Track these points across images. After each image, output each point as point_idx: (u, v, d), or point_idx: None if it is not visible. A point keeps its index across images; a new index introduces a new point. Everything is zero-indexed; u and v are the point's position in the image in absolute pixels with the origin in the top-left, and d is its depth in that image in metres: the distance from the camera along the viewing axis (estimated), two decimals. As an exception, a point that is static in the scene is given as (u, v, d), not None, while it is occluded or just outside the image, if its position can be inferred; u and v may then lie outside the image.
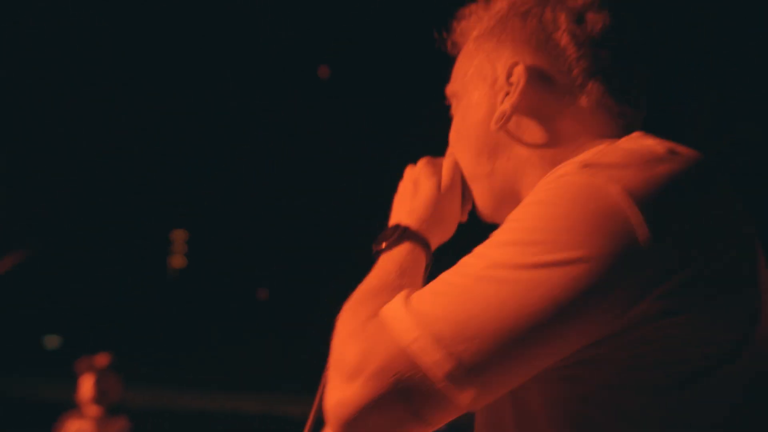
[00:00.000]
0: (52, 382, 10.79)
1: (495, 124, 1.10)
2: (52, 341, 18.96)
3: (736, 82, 9.05)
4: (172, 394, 14.24)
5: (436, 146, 1.30)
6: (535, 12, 1.11)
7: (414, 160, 1.31)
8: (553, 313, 0.87)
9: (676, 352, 0.89)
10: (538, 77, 1.09)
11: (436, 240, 1.20)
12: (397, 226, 1.19)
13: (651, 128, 1.10)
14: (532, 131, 1.11)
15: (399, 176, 1.31)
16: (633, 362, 0.89)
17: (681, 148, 0.98)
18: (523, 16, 1.12)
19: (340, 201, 15.42)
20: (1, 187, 13.11)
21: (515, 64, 1.10)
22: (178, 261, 20.55)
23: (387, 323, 0.93)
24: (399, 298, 0.95)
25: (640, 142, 0.98)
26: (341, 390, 0.93)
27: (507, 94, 1.10)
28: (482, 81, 1.15)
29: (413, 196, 1.23)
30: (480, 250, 0.94)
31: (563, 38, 1.08)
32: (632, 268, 0.87)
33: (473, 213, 1.24)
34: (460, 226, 1.25)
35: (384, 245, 1.16)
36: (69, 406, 4.77)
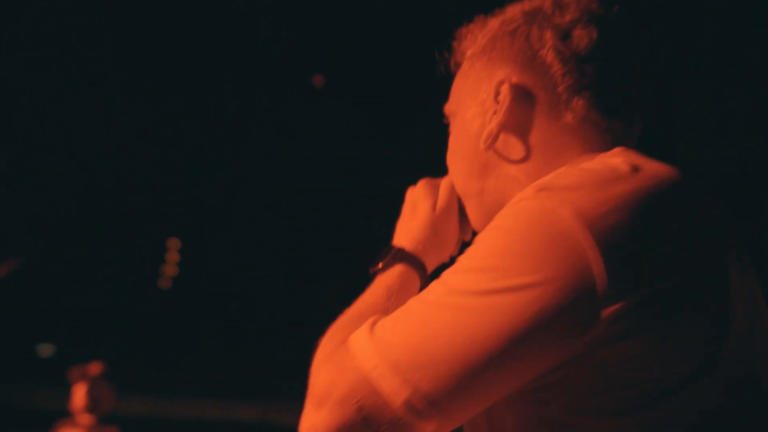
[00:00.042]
0: (45, 391, 10.81)
1: (482, 144, 1.12)
2: (45, 350, 18.95)
3: (731, 90, 9.06)
4: (166, 402, 14.25)
5: (436, 146, 1.31)
6: (522, 30, 1.12)
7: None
8: (505, 339, 0.88)
9: (642, 372, 0.89)
10: (524, 95, 1.10)
11: (433, 261, 1.22)
12: (392, 248, 1.21)
13: (647, 137, 1.10)
14: (519, 149, 1.11)
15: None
16: (599, 385, 0.89)
17: (649, 165, 0.98)
18: (512, 34, 1.13)
19: (340, 201, 15.42)
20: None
21: (501, 82, 1.12)
22: (171, 269, 20.59)
23: (351, 350, 0.95)
24: (366, 325, 0.97)
25: (604, 161, 0.98)
26: (312, 416, 0.95)
27: (495, 112, 1.11)
28: (474, 100, 1.17)
29: (411, 217, 1.25)
30: (443, 276, 0.96)
31: (549, 55, 1.09)
32: (584, 292, 0.87)
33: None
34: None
35: (379, 266, 1.18)
36: (62, 414, 4.78)
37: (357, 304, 1.10)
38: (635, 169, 0.96)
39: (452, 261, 0.98)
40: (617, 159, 0.98)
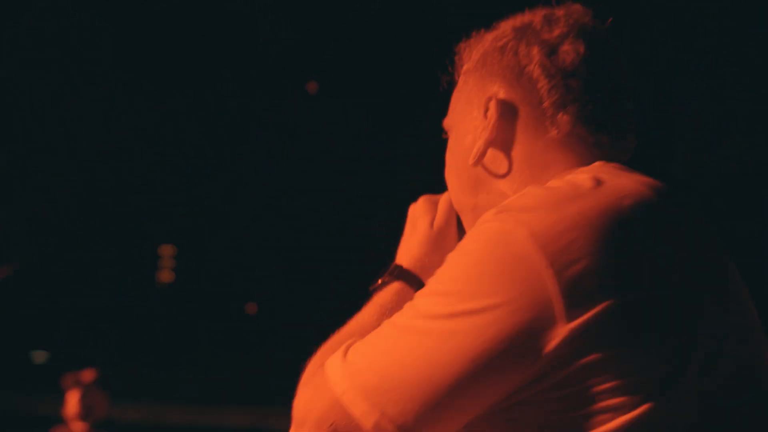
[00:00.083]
0: (40, 397, 10.81)
1: (471, 160, 1.13)
2: (39, 356, 18.95)
3: (729, 93, 9.08)
4: (160, 409, 14.25)
5: (436, 146, 1.31)
6: (511, 46, 1.13)
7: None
8: (466, 362, 0.90)
9: (604, 388, 0.90)
10: (511, 111, 1.12)
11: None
12: (390, 265, 1.22)
13: (646, 139, 1.11)
14: (506, 165, 1.13)
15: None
16: (564, 402, 0.91)
17: (616, 180, 1.00)
18: (501, 50, 1.14)
19: (340, 201, 15.43)
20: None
21: (490, 99, 1.13)
22: (166, 276, 20.63)
23: (326, 374, 0.98)
24: (341, 349, 0.99)
25: (571, 178, 1.00)
26: None
27: (483, 129, 1.12)
28: (466, 116, 1.19)
29: (411, 235, 1.27)
30: (414, 298, 0.98)
31: (535, 71, 1.10)
32: (540, 312, 0.89)
33: None
34: None
35: (378, 283, 1.19)
36: (57, 421, 4.78)
37: (349, 323, 1.12)
38: (598, 185, 0.97)
39: None
40: (584, 175, 1.00)
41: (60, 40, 11.86)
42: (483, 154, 1.12)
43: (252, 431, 12.91)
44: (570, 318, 0.89)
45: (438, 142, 1.28)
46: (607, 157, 1.09)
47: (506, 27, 1.15)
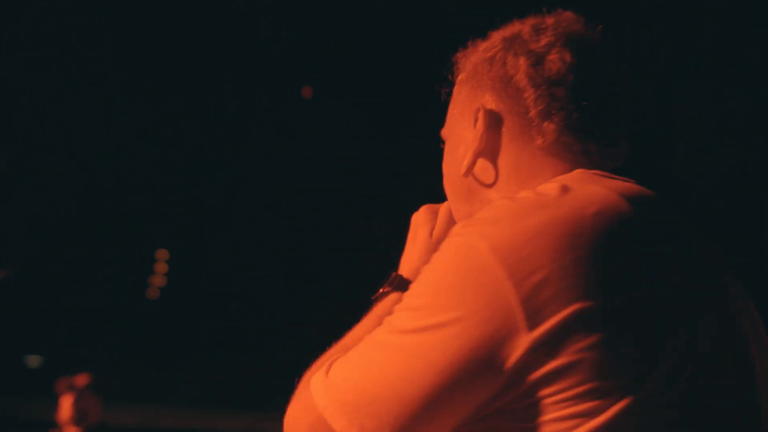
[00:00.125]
0: (33, 402, 10.80)
1: (462, 171, 1.16)
2: (33, 360, 18.93)
3: (726, 96, 9.08)
4: (154, 413, 14.24)
5: (436, 147, 1.32)
6: (500, 56, 1.15)
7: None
8: (435, 375, 0.92)
9: (571, 392, 0.91)
10: (499, 121, 1.14)
11: None
12: (391, 275, 1.24)
13: (643, 141, 1.11)
14: (495, 174, 1.15)
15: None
16: (536, 410, 0.93)
17: (585, 188, 1.01)
18: (490, 60, 1.18)
19: (340, 201, 15.42)
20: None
21: (478, 109, 1.14)
22: (158, 281, 20.64)
23: (311, 389, 1.02)
24: (326, 365, 1.03)
25: (540, 188, 1.01)
26: None
27: (473, 140, 1.16)
28: (458, 126, 1.22)
29: (412, 244, 1.29)
30: (393, 311, 1.01)
31: (522, 81, 1.12)
32: (503, 323, 0.91)
33: None
34: None
35: (379, 293, 1.21)
36: (50, 425, 4.77)
37: (346, 336, 1.13)
38: (563, 194, 0.98)
39: None
40: (553, 184, 1.01)
41: (60, 40, 11.85)
42: (472, 164, 1.15)
43: (251, 433, 12.91)
44: (531, 327, 0.90)
45: (438, 143, 1.28)
46: (596, 164, 1.10)
47: (497, 37, 1.17)
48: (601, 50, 1.11)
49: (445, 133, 1.23)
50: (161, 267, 20.29)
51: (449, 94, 1.24)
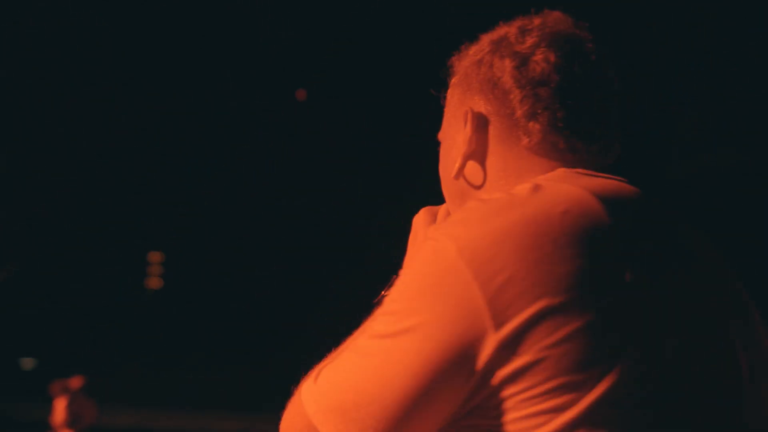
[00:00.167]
0: (27, 404, 10.80)
1: (452, 173, 1.18)
2: (27, 363, 18.94)
3: (726, 96, 9.09)
4: (149, 415, 14.24)
5: (436, 147, 1.32)
6: (487, 59, 1.16)
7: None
8: (409, 378, 0.94)
9: (540, 388, 0.92)
10: (487, 123, 1.15)
11: None
12: (392, 279, 1.24)
13: (640, 144, 1.11)
14: (484, 176, 1.17)
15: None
16: (507, 407, 0.94)
17: (556, 187, 1.02)
18: (478, 63, 1.18)
19: (340, 201, 15.43)
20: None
21: (467, 112, 1.15)
22: (154, 282, 20.66)
23: (302, 396, 1.04)
24: (315, 372, 1.05)
25: (516, 188, 1.03)
26: None
27: (462, 142, 1.16)
28: (451, 129, 1.23)
29: (413, 247, 1.30)
30: (371, 318, 1.03)
31: (507, 82, 1.13)
32: (471, 324, 0.92)
33: None
34: None
35: (381, 296, 1.22)
36: (44, 428, 4.77)
37: (346, 341, 1.15)
38: (533, 193, 0.99)
39: None
40: (527, 184, 1.02)
41: (60, 40, 11.86)
42: (462, 167, 1.17)
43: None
44: (498, 327, 0.92)
45: (437, 145, 1.29)
46: (585, 162, 1.10)
47: (485, 40, 1.18)
48: (588, 48, 1.12)
49: (440, 136, 1.25)
50: (157, 269, 20.33)
51: (446, 98, 1.25)
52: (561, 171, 1.08)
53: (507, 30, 1.16)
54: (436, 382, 0.94)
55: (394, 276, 1.25)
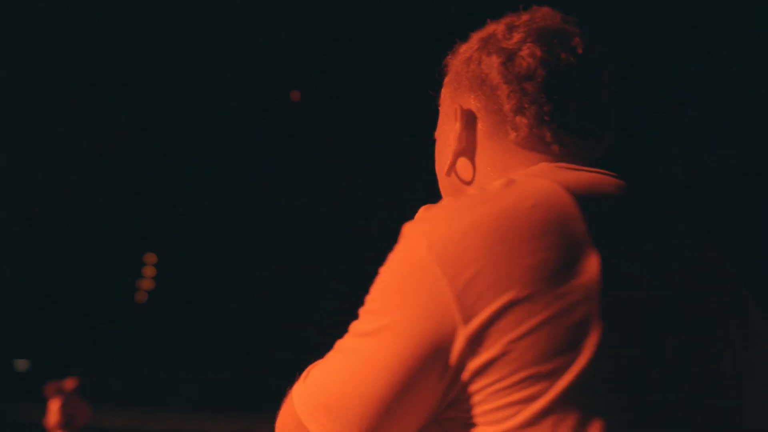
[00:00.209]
0: (21, 406, 10.79)
1: (444, 170, 1.20)
2: (21, 364, 18.92)
3: (726, 96, 9.09)
4: (149, 415, 14.24)
5: (434, 146, 1.32)
6: (475, 57, 1.18)
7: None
8: (387, 375, 0.96)
9: (512, 378, 0.93)
10: (476, 120, 1.17)
11: None
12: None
13: (640, 145, 1.11)
14: (473, 172, 1.18)
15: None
16: (485, 398, 0.95)
17: (530, 182, 1.01)
18: (468, 61, 1.20)
19: (340, 201, 15.42)
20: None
21: (456, 110, 1.16)
22: (147, 284, 20.66)
23: (293, 396, 1.07)
24: (305, 372, 1.08)
25: (489, 185, 1.04)
26: None
27: (453, 139, 1.19)
28: (444, 127, 1.24)
29: None
30: (357, 317, 1.04)
31: (495, 78, 1.14)
32: (440, 320, 0.94)
33: None
34: None
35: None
36: (38, 429, 4.76)
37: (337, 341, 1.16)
38: (505, 188, 1.00)
39: None
40: (501, 180, 1.03)
41: (60, 40, 11.85)
42: (453, 163, 1.19)
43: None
44: (466, 321, 0.93)
45: (433, 144, 1.30)
46: (572, 156, 1.10)
47: (474, 38, 1.19)
48: (575, 43, 1.12)
49: (436, 134, 1.26)
50: (150, 270, 20.31)
51: (440, 97, 1.27)
52: (542, 165, 1.09)
53: (495, 27, 1.17)
54: (413, 378, 0.95)
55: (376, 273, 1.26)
